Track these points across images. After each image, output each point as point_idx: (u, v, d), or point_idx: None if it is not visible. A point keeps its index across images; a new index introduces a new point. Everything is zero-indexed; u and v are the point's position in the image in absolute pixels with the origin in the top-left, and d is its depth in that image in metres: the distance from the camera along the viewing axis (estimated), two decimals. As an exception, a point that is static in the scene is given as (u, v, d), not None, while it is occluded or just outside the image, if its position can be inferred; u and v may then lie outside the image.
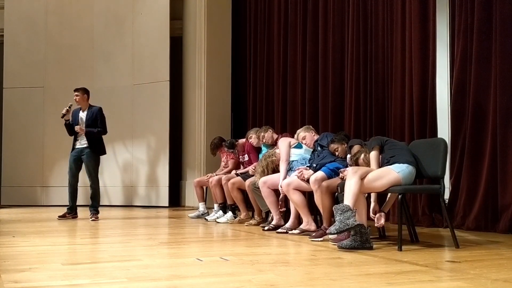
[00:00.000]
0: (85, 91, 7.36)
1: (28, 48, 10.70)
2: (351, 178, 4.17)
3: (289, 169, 5.63)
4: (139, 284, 2.85)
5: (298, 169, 5.36)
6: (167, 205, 9.92)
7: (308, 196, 5.41)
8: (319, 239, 4.76)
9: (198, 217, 7.47)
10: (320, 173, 5.07)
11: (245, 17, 10.20)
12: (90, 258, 3.94)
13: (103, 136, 7.38)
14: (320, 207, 5.06)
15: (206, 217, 7.17)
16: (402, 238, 4.14)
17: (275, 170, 5.83)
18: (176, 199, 10.43)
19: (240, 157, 7.22)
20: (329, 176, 5.04)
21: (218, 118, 10.08)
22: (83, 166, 7.28)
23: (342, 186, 4.44)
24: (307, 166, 5.37)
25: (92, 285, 2.84)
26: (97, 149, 7.23)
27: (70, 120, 7.24)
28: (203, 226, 6.47)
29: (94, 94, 10.31)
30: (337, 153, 5.28)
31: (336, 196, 4.87)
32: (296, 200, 5.32)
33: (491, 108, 5.46)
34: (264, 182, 5.79)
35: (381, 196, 4.75)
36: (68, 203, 7.35)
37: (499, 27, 5.41)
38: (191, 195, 9.60)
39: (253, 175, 6.26)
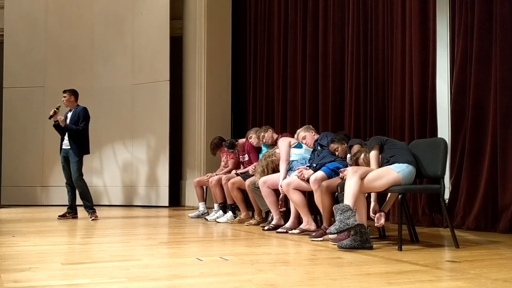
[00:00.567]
0: (72, 92, 7.40)
1: (28, 48, 10.70)
2: (351, 178, 4.17)
3: (289, 169, 5.63)
4: (138, 284, 2.85)
5: (298, 169, 5.36)
6: (167, 205, 9.92)
7: (308, 196, 5.41)
8: (319, 239, 4.76)
9: (198, 217, 7.47)
10: (320, 173, 5.06)
11: (245, 17, 10.20)
12: (89, 257, 3.94)
13: (90, 136, 7.40)
14: (320, 207, 5.06)
15: (206, 217, 7.17)
16: (402, 238, 4.14)
17: (275, 170, 5.83)
18: (176, 199, 10.43)
19: (240, 157, 7.22)
20: (329, 176, 5.04)
21: (218, 118, 10.08)
22: None
23: (342, 186, 4.44)
24: (307, 166, 5.37)
25: (91, 284, 2.84)
26: (79, 149, 7.23)
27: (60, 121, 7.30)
28: (203, 226, 6.47)
29: (94, 94, 10.42)
30: (337, 153, 5.28)
31: (336, 196, 4.87)
32: (296, 200, 5.32)
33: (491, 108, 5.46)
34: (264, 182, 5.79)
35: (381, 196, 4.75)
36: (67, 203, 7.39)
37: (499, 27, 5.41)
38: (191, 195, 9.60)
39: (253, 175, 6.26)
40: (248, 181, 6.28)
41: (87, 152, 7.42)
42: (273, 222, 5.76)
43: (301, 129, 5.91)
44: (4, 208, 9.76)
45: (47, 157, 10.37)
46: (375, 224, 4.51)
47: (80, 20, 10.72)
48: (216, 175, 7.27)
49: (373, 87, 6.96)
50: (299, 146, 5.75)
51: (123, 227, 6.53)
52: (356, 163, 4.72)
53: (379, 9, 6.93)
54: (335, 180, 4.93)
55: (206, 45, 10.11)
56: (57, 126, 7.26)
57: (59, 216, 7.30)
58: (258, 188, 5.93)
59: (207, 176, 7.42)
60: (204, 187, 7.69)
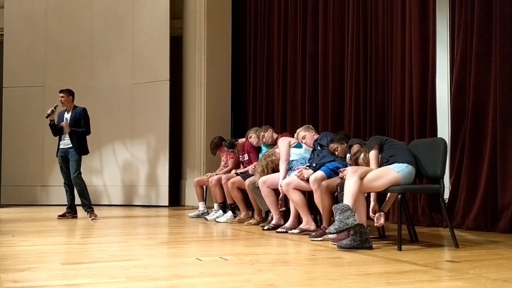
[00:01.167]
0: (70, 92, 7.42)
1: (28, 47, 10.70)
2: (351, 177, 4.17)
3: (289, 169, 5.63)
4: (138, 284, 2.85)
5: (298, 168, 5.36)
6: (167, 204, 9.92)
7: (308, 195, 5.40)
8: (319, 238, 4.76)
9: (198, 216, 7.47)
10: (319, 173, 5.06)
11: (245, 17, 10.19)
12: (89, 257, 3.94)
13: (88, 136, 7.44)
14: (319, 206, 5.06)
15: (206, 217, 7.17)
16: (402, 237, 4.14)
17: (275, 169, 5.83)
18: (176, 199, 10.43)
19: (240, 156, 7.22)
20: (329, 176, 5.04)
21: (218, 118, 10.08)
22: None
23: (341, 185, 4.44)
24: (306, 166, 5.37)
25: (91, 284, 2.84)
26: (80, 149, 7.27)
27: (55, 121, 7.30)
28: (203, 226, 6.47)
29: (94, 93, 10.42)
30: (336, 153, 5.28)
31: (335, 195, 4.87)
32: (295, 200, 5.31)
33: (491, 108, 5.46)
34: (264, 181, 5.79)
35: (381, 196, 4.75)
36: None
37: (499, 27, 5.41)
38: (191, 195, 9.60)
39: (253, 175, 6.26)
40: (248, 181, 6.28)
41: (87, 152, 7.45)
42: (273, 222, 5.76)
43: (301, 128, 5.91)
44: (4, 207, 9.77)
45: (47, 157, 10.37)
46: (375, 224, 4.51)
47: (80, 20, 10.73)
48: (216, 174, 7.27)
49: (373, 86, 6.96)
50: (299, 145, 5.75)
51: (123, 227, 6.53)
52: (355, 163, 4.72)
53: (379, 9, 6.93)
54: (335, 180, 4.93)
55: (206, 45, 10.11)
56: (52, 125, 7.28)
57: (58, 216, 7.31)
58: (258, 187, 5.92)
59: (207, 175, 7.42)
60: (204, 187, 7.68)
